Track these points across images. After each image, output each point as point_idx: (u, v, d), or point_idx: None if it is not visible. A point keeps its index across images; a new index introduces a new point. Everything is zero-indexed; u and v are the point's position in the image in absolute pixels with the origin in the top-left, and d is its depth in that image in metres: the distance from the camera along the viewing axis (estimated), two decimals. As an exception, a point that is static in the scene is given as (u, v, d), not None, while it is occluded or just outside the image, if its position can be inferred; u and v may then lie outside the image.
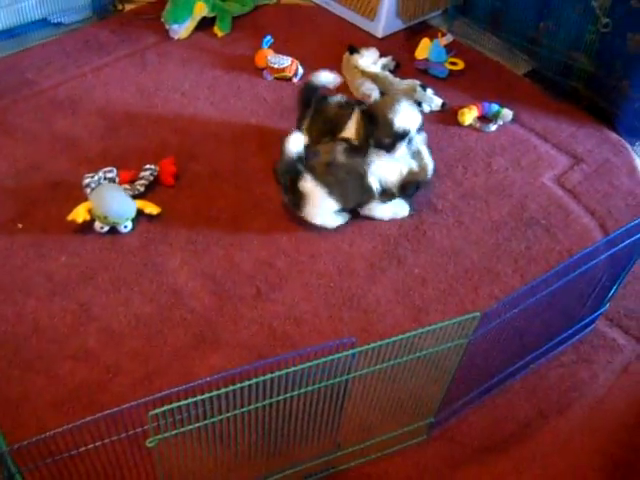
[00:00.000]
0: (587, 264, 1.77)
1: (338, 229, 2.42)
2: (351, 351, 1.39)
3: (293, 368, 1.34)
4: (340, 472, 1.81)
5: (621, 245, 1.84)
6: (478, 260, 2.38)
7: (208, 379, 1.34)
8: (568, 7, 3.03)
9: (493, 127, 2.92)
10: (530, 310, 1.72)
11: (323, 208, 2.36)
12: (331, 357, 1.37)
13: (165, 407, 1.28)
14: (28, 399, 1.90)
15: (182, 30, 3.24)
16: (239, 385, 1.33)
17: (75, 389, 1.93)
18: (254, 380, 1.32)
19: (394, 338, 1.44)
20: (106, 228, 2.31)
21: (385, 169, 2.38)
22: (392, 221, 2.48)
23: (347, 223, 2.44)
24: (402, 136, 2.37)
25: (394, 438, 1.85)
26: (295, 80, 3.06)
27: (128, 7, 3.43)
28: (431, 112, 2.95)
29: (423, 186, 2.48)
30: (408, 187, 2.41)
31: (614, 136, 2.96)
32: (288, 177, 2.35)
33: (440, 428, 1.92)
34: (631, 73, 2.90)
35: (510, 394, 2.03)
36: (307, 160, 2.34)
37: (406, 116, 2.38)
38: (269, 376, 1.33)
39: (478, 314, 1.53)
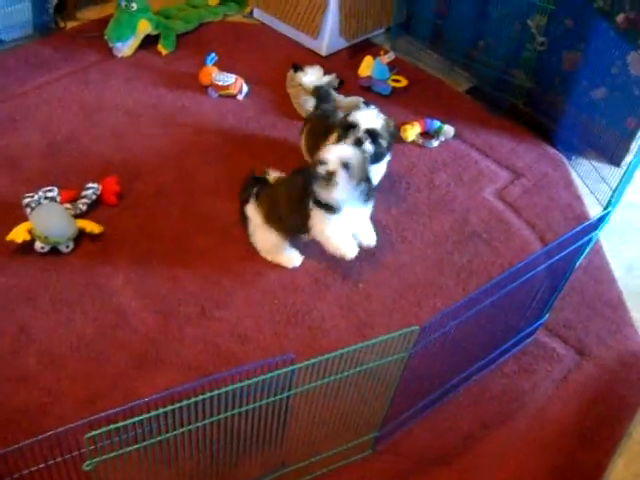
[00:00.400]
0: (526, 275, 1.81)
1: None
2: (290, 367, 1.39)
3: (231, 386, 1.34)
4: (286, 489, 1.81)
5: (558, 256, 1.89)
6: (421, 274, 2.42)
7: (147, 399, 1.33)
8: (506, 26, 3.12)
9: (435, 143, 2.97)
10: (471, 322, 1.75)
11: (264, 239, 2.35)
12: (270, 374, 1.37)
13: (102, 429, 1.26)
14: (-35, 425, 1.85)
15: (126, 48, 3.23)
16: (177, 405, 1.32)
17: (15, 413, 1.88)
18: (192, 400, 1.32)
19: (333, 353, 1.45)
20: (47, 248, 2.28)
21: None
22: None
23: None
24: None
25: (340, 453, 1.85)
26: (240, 97, 3.07)
27: (71, 25, 3.41)
28: (375, 129, 2.99)
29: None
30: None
31: (552, 151, 3.04)
32: (241, 199, 2.37)
33: (385, 442, 1.93)
34: (567, 90, 3.00)
35: (453, 406, 2.05)
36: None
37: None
38: (207, 395, 1.33)
39: (417, 328, 1.55)
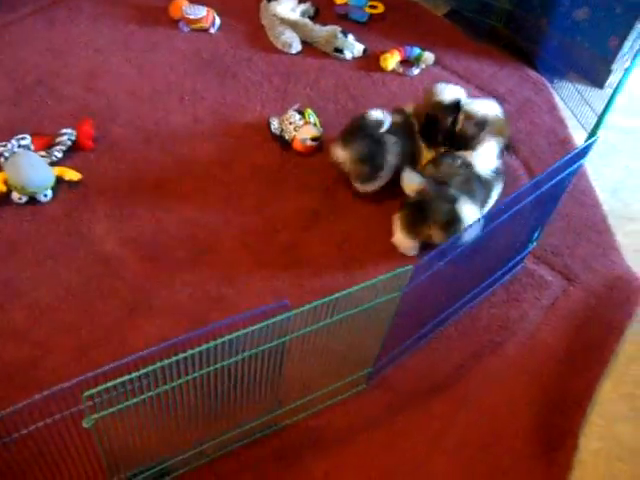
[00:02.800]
0: (514, 208, 1.80)
1: (266, 185, 2.39)
2: (286, 314, 1.38)
3: (227, 337, 1.33)
4: (283, 429, 1.83)
5: (547, 186, 1.87)
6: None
7: (143, 353, 1.32)
8: (484, -55, 3.02)
9: (416, 71, 2.91)
10: (462, 257, 1.74)
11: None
12: (266, 322, 1.36)
13: (99, 387, 1.25)
14: (-45, 383, 1.84)
15: (90, -18, 3.08)
16: (174, 358, 1.31)
17: (6, 368, 1.87)
18: (189, 352, 1.31)
19: (328, 298, 1.45)
20: (25, 198, 2.22)
21: None
22: (327, 170, 2.46)
23: (275, 177, 2.42)
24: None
25: (334, 390, 1.87)
26: (212, 30, 2.97)
27: (30, -41, 3.23)
28: (353, 59, 2.92)
29: None
30: None
31: (534, 75, 2.99)
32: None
33: (378, 377, 1.95)
34: (549, 11, 2.93)
35: (444, 339, 2.07)
36: None
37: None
38: (204, 347, 1.32)
39: (411, 267, 1.54)
